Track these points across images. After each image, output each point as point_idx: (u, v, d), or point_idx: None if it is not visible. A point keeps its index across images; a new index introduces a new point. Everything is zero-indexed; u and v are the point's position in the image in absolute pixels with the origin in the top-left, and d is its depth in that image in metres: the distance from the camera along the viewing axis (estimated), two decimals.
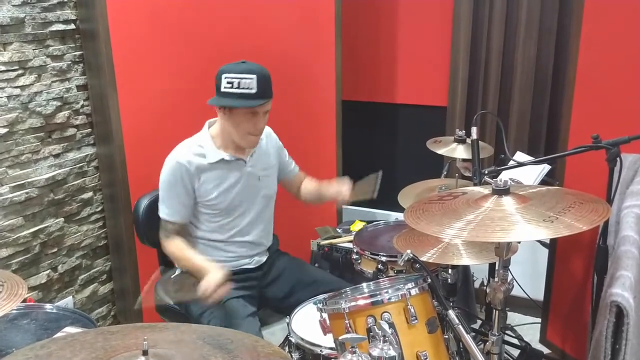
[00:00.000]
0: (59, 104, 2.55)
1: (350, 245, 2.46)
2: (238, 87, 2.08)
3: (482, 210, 1.55)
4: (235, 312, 2.15)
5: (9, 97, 2.35)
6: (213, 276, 2.03)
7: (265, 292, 2.39)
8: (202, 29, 2.79)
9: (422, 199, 1.78)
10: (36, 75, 2.45)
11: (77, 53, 2.61)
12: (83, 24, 2.58)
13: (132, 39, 2.61)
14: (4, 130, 2.35)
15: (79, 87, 2.64)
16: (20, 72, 2.38)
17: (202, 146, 2.22)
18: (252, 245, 2.35)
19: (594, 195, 1.62)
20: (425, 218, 1.60)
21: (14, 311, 1.93)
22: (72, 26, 2.56)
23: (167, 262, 2.50)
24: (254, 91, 2.08)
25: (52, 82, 2.52)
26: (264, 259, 2.40)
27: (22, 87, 2.40)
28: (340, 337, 1.58)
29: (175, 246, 2.23)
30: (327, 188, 2.45)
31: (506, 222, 1.48)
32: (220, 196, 2.24)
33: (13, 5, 2.33)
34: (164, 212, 2.24)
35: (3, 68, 2.32)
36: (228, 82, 2.09)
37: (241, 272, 2.31)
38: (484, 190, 1.68)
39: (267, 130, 2.39)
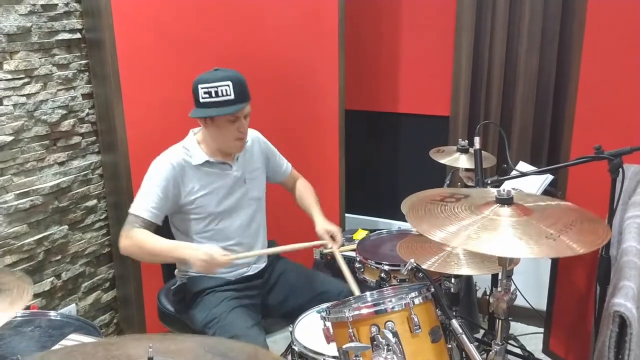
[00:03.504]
0: (64, 112, 2.57)
1: (353, 253, 2.46)
2: (216, 96, 2.13)
3: (479, 218, 1.56)
4: (240, 322, 2.13)
5: (14, 105, 2.37)
6: (210, 250, 2.08)
7: (267, 299, 2.38)
8: (207, 39, 2.81)
9: (425, 198, 1.77)
10: (42, 84, 2.47)
11: (83, 62, 2.63)
12: (89, 33, 2.60)
13: (138, 48, 2.63)
14: (10, 138, 2.37)
15: (84, 96, 2.65)
16: (26, 80, 2.40)
17: (188, 149, 2.25)
18: (246, 250, 2.33)
19: (597, 204, 1.62)
20: (426, 219, 1.61)
21: (18, 318, 1.94)
22: (78, 35, 2.59)
23: (170, 272, 2.51)
24: (232, 97, 2.13)
25: (58, 90, 2.54)
26: (262, 265, 2.39)
27: (28, 96, 2.42)
28: (343, 346, 1.59)
29: (142, 234, 2.13)
30: (315, 217, 2.44)
31: (497, 234, 1.48)
32: (206, 198, 2.24)
33: (20, 15, 2.35)
34: (137, 207, 2.17)
35: (9, 76, 2.34)
36: (205, 92, 2.14)
37: (242, 280, 2.31)
38: (489, 194, 1.68)
39: (255, 133, 2.42)
